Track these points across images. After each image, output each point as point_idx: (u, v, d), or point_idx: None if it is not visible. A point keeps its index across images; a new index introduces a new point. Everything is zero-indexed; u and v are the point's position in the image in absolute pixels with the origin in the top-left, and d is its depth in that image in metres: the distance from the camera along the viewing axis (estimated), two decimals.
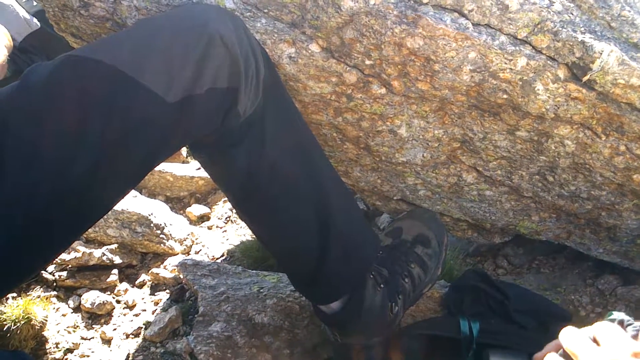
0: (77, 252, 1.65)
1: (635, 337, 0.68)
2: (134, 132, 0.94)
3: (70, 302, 1.61)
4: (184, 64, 0.96)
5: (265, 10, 1.13)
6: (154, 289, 1.68)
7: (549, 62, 1.12)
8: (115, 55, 0.94)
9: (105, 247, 1.71)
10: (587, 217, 1.47)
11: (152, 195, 2.13)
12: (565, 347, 0.70)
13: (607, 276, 1.60)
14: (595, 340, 0.69)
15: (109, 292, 1.65)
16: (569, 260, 1.71)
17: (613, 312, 0.73)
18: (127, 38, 0.99)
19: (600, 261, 1.59)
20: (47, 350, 1.46)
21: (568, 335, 0.70)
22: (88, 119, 0.90)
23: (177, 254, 1.82)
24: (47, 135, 0.89)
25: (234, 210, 1.99)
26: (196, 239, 1.93)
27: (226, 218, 2.04)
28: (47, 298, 1.58)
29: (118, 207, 1.72)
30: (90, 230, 1.60)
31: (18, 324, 1.41)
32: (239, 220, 2.01)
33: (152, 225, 1.78)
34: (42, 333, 1.48)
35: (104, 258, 1.68)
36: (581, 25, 1.11)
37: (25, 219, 0.88)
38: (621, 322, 0.72)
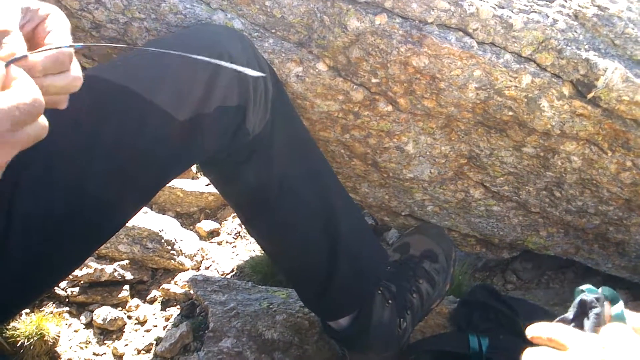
0: (89, 268, 1.67)
1: (597, 325, 0.64)
2: (146, 150, 0.96)
3: (83, 317, 1.62)
4: (193, 83, 0.98)
5: (273, 31, 1.16)
6: (165, 305, 1.70)
7: (553, 79, 1.13)
8: (127, 74, 0.96)
9: (116, 263, 1.72)
10: (595, 232, 1.47)
11: (162, 211, 2.15)
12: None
13: (617, 291, 1.59)
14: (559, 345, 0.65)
15: (120, 308, 1.67)
16: (578, 275, 1.71)
17: (583, 289, 0.68)
18: (139, 58, 1.02)
19: (610, 276, 1.58)
20: None
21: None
22: (100, 138, 0.92)
23: (188, 269, 1.84)
24: (60, 155, 0.91)
25: (244, 226, 2.00)
26: (206, 254, 1.94)
27: (236, 234, 2.05)
28: (59, 314, 1.60)
29: (129, 223, 1.73)
30: (101, 246, 1.62)
31: (31, 340, 1.42)
32: (248, 236, 2.02)
33: (162, 241, 1.80)
34: (55, 349, 1.50)
35: (116, 274, 1.70)
36: (585, 43, 1.12)
37: (40, 236, 0.90)
38: (583, 306, 0.67)
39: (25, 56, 0.57)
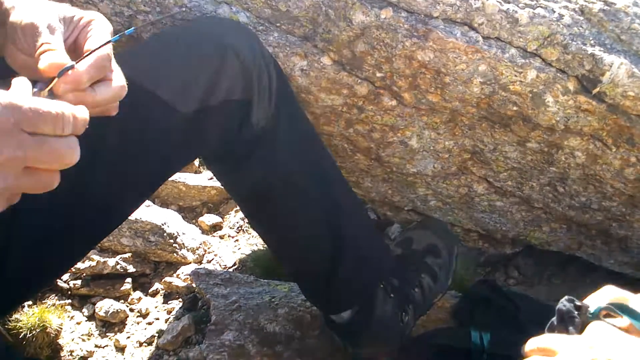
0: (91, 261, 1.67)
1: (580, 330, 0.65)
2: (150, 142, 0.96)
3: (85, 310, 1.62)
4: (198, 76, 0.98)
5: (278, 24, 1.15)
6: (167, 298, 1.70)
7: (558, 74, 1.13)
8: (132, 68, 0.95)
9: (119, 256, 1.72)
10: (598, 228, 1.47)
11: (164, 204, 2.15)
12: None
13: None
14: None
15: (122, 301, 1.67)
16: (580, 271, 1.70)
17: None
18: (143, 51, 1.02)
19: (612, 272, 1.58)
20: (62, 358, 1.48)
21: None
22: (105, 131, 0.92)
23: (190, 263, 1.84)
24: None
25: (246, 220, 2.00)
26: (208, 248, 1.94)
27: (238, 228, 2.05)
28: (62, 306, 1.60)
29: (132, 216, 1.74)
30: (104, 239, 1.62)
31: (34, 332, 1.42)
32: (250, 230, 2.02)
33: (165, 234, 1.80)
34: (57, 341, 1.50)
35: (118, 267, 1.70)
36: (591, 38, 1.12)
37: (43, 229, 0.90)
38: (560, 314, 0.68)
39: (72, 65, 0.59)
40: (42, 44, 0.61)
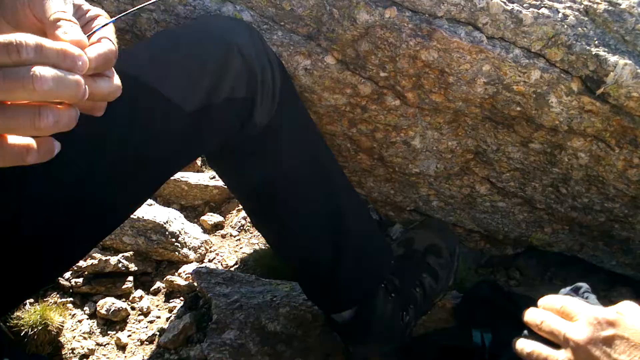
0: (93, 259, 1.67)
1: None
2: (153, 140, 0.96)
3: (86, 308, 1.62)
4: (202, 74, 0.97)
5: (282, 23, 1.15)
6: (169, 297, 1.70)
7: (562, 75, 1.13)
8: (136, 65, 0.96)
9: (120, 255, 1.72)
10: (600, 229, 1.47)
11: (166, 203, 2.15)
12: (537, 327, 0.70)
13: (621, 288, 1.59)
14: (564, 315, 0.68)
15: (124, 299, 1.67)
16: (582, 272, 1.70)
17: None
18: (148, 49, 1.02)
19: (614, 273, 1.58)
20: (63, 356, 1.48)
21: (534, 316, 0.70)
22: (108, 128, 0.92)
23: (192, 262, 1.84)
24: (72, 144, 0.91)
25: (248, 219, 2.00)
26: (210, 247, 1.95)
27: (240, 227, 2.05)
28: (63, 304, 1.60)
29: (134, 215, 1.74)
30: (106, 237, 1.62)
31: (35, 330, 1.42)
32: (252, 229, 2.02)
33: (167, 233, 1.80)
34: (59, 339, 1.50)
35: (120, 265, 1.70)
36: (595, 39, 1.12)
37: (45, 226, 0.90)
38: (577, 290, 0.72)
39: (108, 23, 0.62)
40: (56, 11, 0.57)
